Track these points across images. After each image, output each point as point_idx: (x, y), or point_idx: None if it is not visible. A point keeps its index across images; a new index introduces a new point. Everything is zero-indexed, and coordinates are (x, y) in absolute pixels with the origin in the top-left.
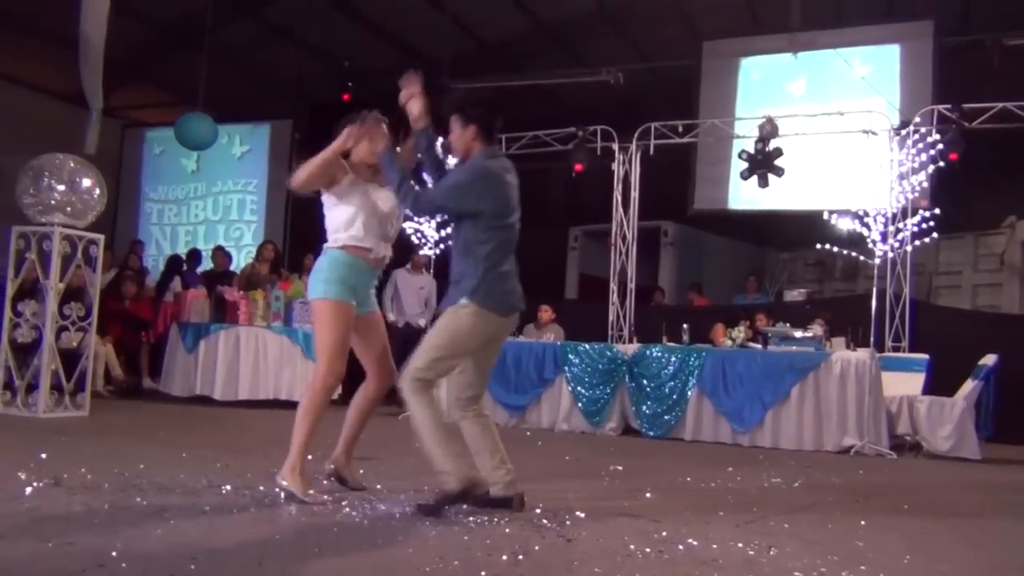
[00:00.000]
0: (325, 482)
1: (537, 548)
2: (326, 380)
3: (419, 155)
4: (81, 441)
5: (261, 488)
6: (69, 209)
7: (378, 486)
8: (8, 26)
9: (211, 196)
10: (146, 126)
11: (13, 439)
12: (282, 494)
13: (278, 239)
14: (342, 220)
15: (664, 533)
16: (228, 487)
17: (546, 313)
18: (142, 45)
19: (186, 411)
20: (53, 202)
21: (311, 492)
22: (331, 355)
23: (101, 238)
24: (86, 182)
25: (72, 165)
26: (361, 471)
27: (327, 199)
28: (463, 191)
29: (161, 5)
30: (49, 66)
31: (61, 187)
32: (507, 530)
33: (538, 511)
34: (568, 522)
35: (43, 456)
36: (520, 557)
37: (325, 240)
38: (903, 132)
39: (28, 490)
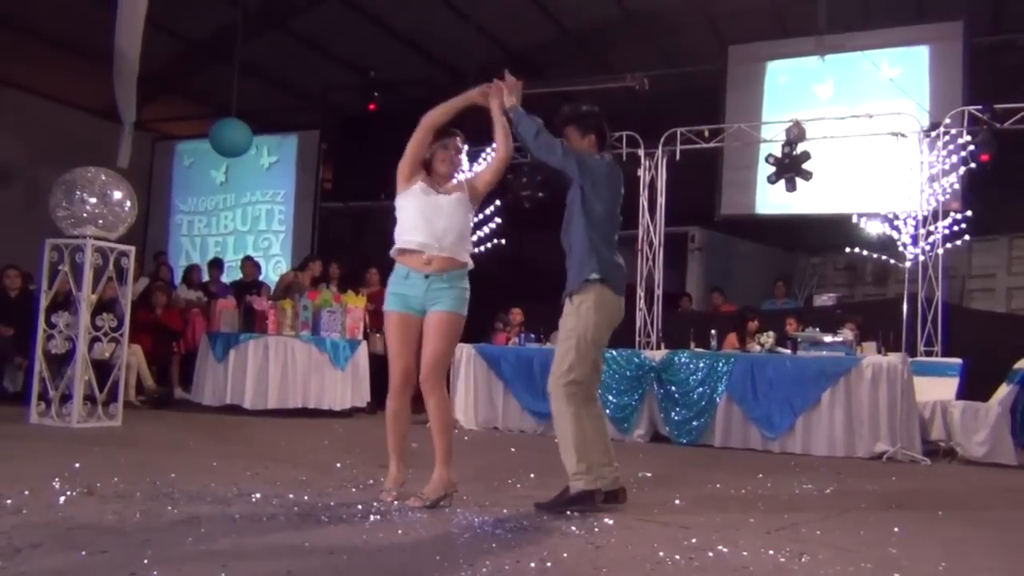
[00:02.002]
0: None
1: (565, 555)
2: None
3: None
4: (114, 451)
5: (290, 496)
6: (101, 221)
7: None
8: (41, 41)
9: (240, 207)
10: (176, 139)
11: (47, 449)
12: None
13: (305, 249)
14: (399, 226)
15: (694, 540)
16: (258, 495)
17: None
18: (171, 59)
19: (216, 420)
20: (85, 215)
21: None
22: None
23: (132, 250)
24: (117, 195)
25: (104, 178)
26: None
27: (397, 202)
28: (572, 154)
29: (191, 19)
30: (81, 81)
31: (93, 200)
32: (536, 537)
33: (566, 518)
34: (597, 529)
35: (76, 465)
36: (548, 564)
37: (353, 250)
38: (933, 134)
39: (62, 499)
